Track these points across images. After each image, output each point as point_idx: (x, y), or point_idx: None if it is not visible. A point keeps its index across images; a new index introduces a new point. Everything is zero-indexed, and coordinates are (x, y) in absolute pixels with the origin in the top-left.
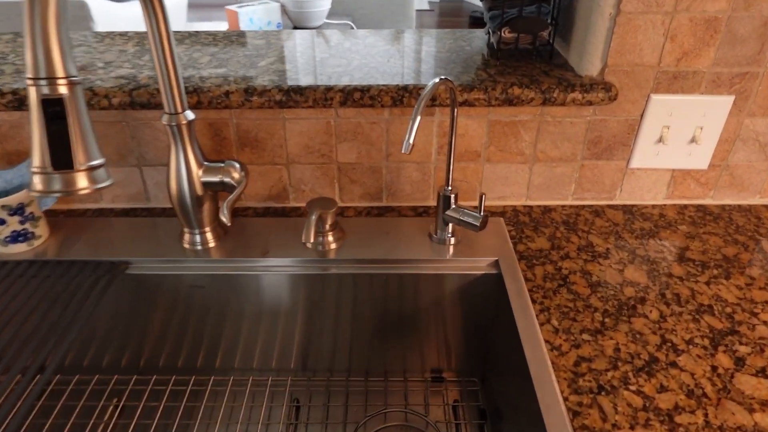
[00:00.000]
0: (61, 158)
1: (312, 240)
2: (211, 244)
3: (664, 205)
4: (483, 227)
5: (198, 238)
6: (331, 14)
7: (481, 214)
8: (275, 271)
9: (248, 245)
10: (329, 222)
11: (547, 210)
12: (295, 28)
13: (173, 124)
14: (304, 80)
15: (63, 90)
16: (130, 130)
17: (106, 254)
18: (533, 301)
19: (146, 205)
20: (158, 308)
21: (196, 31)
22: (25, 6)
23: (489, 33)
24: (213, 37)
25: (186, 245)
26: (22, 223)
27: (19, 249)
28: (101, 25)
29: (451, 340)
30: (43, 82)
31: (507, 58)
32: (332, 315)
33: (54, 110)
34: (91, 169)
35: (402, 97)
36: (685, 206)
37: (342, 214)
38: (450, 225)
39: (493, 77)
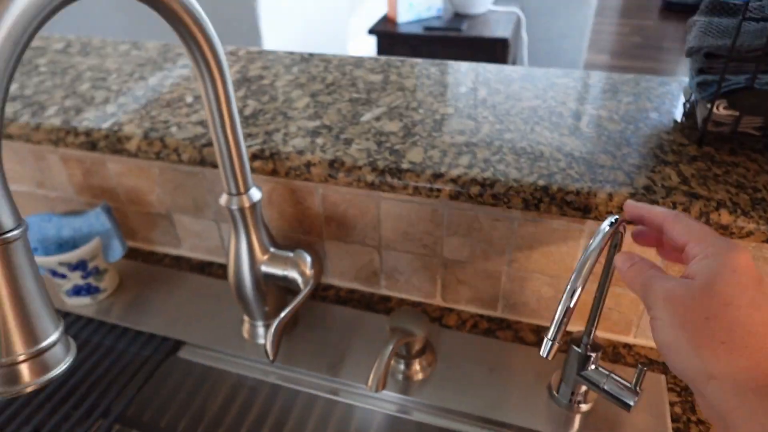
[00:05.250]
0: None
1: (381, 388)
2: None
3: None
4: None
5: (260, 330)
6: (499, 0)
7: (638, 389)
8: (339, 397)
9: (319, 349)
10: (416, 347)
11: None
12: (457, 14)
13: (233, 207)
14: (409, 155)
15: None
16: (207, 184)
17: (164, 326)
18: None
19: (223, 261)
20: (208, 400)
21: (310, 54)
22: None
23: (693, 103)
24: (325, 66)
25: (246, 334)
26: (84, 277)
27: (82, 302)
28: (267, 5)
29: None
30: None
31: (717, 146)
32: None
33: None
34: (37, 354)
35: (539, 201)
36: None
37: (441, 318)
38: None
39: (688, 183)
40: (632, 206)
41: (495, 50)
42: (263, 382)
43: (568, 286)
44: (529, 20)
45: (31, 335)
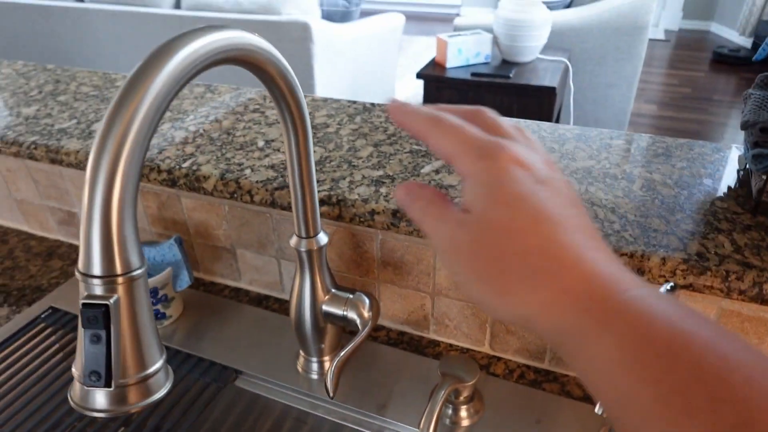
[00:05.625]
0: (96, 374)
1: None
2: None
3: None
4: None
5: (314, 366)
6: (547, 48)
7: None
8: None
9: (367, 387)
10: (465, 394)
11: None
12: (505, 62)
13: (302, 249)
14: None
15: (114, 293)
16: (273, 223)
17: (223, 355)
18: None
19: (280, 295)
20: (260, 430)
21: (372, 104)
22: (86, 183)
23: (747, 171)
24: (386, 117)
25: (300, 368)
26: (154, 304)
27: None
28: (321, 46)
29: None
30: (92, 280)
31: None
32: None
33: (93, 317)
34: (145, 379)
35: None
36: None
37: (488, 366)
38: None
39: (741, 252)
40: (397, 107)
41: (542, 98)
42: (311, 415)
43: None
44: (576, 68)
45: (141, 361)
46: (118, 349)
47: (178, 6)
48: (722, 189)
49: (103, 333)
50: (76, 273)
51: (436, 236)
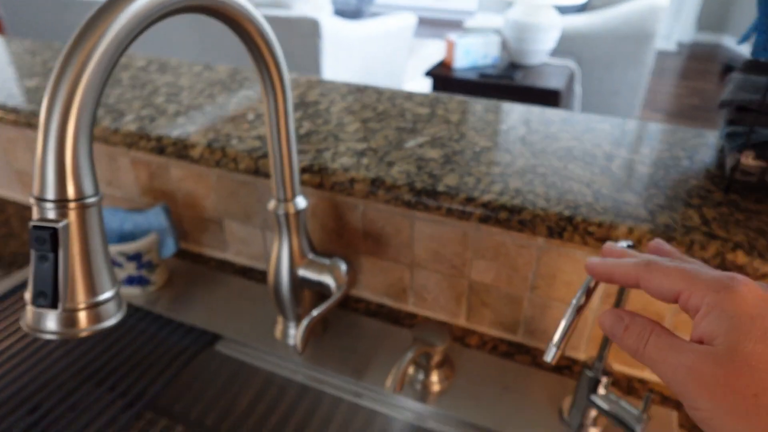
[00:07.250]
0: (43, 294)
1: (398, 388)
2: None
3: None
4: None
5: (291, 331)
6: (555, 53)
7: (645, 416)
8: (362, 401)
9: (345, 355)
10: (436, 359)
11: None
12: (512, 64)
13: (280, 212)
14: (446, 179)
15: (65, 218)
16: (258, 194)
17: (203, 320)
18: None
19: (264, 267)
20: (238, 395)
21: (365, 86)
22: (43, 109)
23: (723, 151)
24: (377, 97)
25: (278, 335)
26: (138, 269)
27: (133, 292)
28: (329, 42)
29: None
30: (45, 204)
31: (743, 194)
32: None
33: (41, 238)
34: (94, 306)
35: (563, 230)
36: None
37: (463, 338)
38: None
39: (709, 225)
40: (596, 265)
41: (546, 101)
42: (291, 381)
43: (574, 301)
44: (584, 74)
45: (91, 288)
46: (66, 273)
47: None
48: (699, 170)
49: (50, 255)
50: (30, 198)
51: (668, 366)
